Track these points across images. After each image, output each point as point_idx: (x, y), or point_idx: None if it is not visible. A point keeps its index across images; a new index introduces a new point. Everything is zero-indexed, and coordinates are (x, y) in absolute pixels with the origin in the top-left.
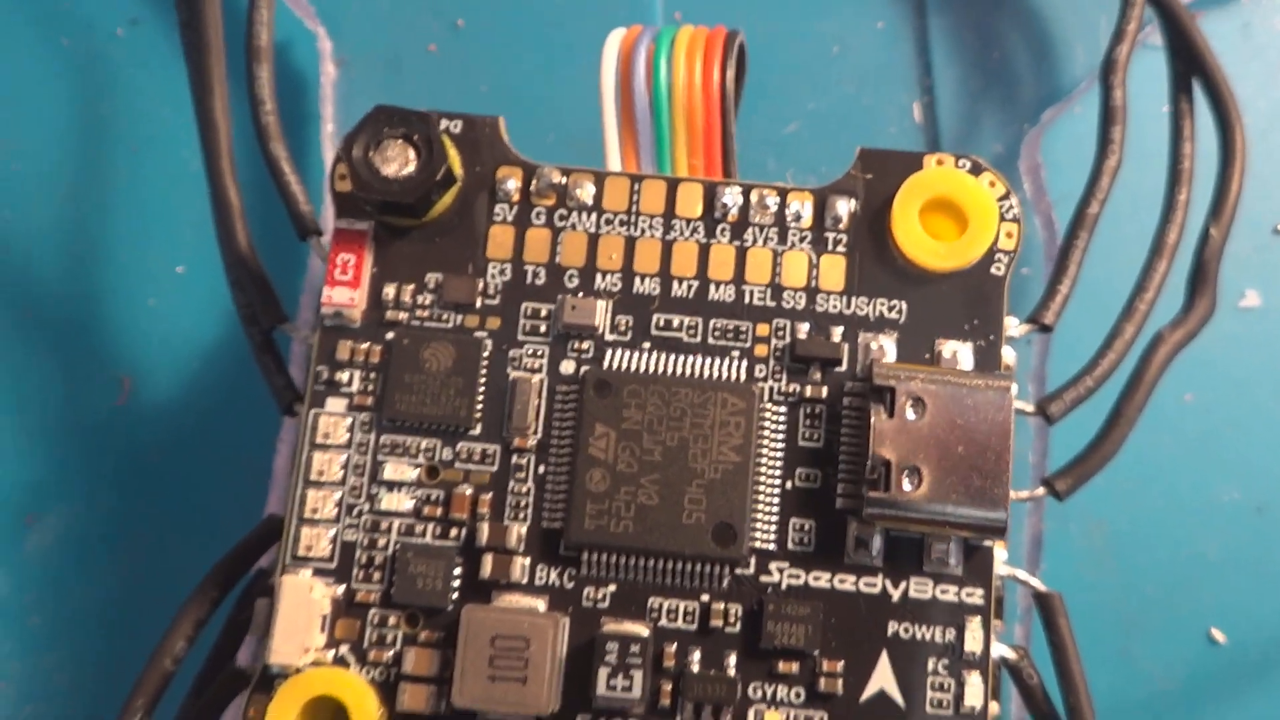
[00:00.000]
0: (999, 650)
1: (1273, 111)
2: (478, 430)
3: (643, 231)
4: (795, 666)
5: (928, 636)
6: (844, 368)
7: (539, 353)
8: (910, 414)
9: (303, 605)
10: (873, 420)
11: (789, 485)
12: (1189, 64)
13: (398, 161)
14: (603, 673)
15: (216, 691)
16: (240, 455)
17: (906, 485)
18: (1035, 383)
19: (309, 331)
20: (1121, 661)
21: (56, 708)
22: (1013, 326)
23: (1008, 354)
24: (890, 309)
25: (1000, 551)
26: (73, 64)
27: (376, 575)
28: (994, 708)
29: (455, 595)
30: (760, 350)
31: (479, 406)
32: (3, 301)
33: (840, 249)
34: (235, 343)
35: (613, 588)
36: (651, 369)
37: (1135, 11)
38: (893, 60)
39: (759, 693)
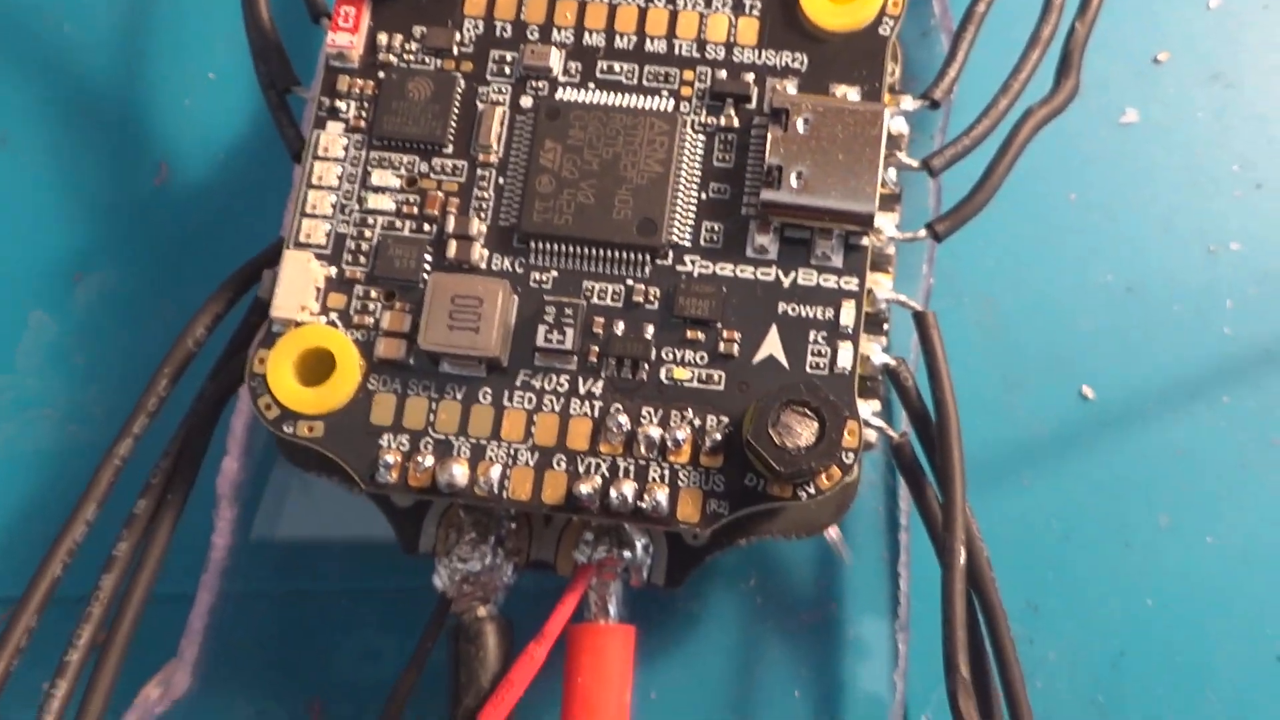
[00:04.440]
0: (881, 359)
1: None
2: (450, 149)
3: None
4: (701, 334)
5: (810, 314)
6: (753, 105)
7: (503, 90)
8: (800, 129)
9: (302, 273)
10: (769, 134)
11: (704, 196)
12: None
13: None
14: (541, 329)
15: (229, 374)
16: (254, 222)
17: (794, 183)
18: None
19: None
20: (1002, 412)
21: (91, 429)
22: (908, 102)
23: (899, 124)
24: (794, 60)
25: (886, 279)
26: None
27: (362, 259)
28: (875, 404)
29: (425, 273)
30: (685, 91)
31: (452, 129)
32: (64, 99)
33: (755, 13)
34: (252, 136)
35: (554, 273)
36: (595, 103)
37: None
38: None
39: (670, 354)
